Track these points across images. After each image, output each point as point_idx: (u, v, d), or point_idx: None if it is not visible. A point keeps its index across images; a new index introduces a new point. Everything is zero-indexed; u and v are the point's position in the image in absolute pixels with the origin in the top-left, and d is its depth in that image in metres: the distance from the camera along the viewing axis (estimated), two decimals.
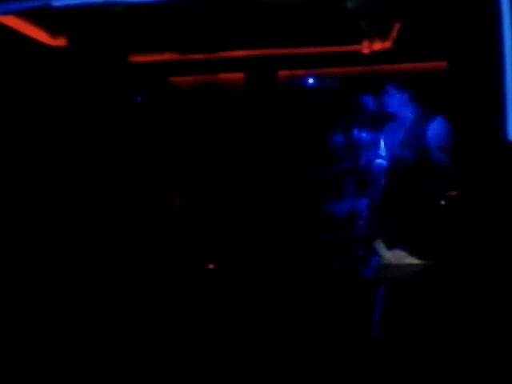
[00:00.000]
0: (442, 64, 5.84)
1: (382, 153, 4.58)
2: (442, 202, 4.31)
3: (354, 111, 4.81)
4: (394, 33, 5.56)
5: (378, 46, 5.83)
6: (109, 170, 5.89)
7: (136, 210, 5.36)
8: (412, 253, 4.11)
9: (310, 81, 5.63)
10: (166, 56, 5.99)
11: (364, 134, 4.70)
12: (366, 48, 5.87)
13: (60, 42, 5.50)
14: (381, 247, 4.18)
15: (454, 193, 4.40)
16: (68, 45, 5.54)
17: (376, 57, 5.85)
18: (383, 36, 5.72)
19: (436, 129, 4.26)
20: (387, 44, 5.77)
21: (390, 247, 4.16)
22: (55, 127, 6.19)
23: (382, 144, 4.59)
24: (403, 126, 4.38)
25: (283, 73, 6.10)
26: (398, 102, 4.42)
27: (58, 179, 5.94)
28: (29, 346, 4.23)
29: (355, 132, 4.55)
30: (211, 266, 5.31)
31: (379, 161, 4.58)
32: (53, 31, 5.41)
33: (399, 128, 4.41)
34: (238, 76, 6.25)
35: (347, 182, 5.11)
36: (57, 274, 5.26)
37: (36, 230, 5.48)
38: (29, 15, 4.94)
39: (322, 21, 5.46)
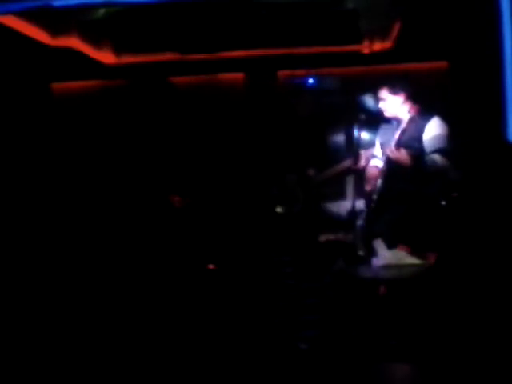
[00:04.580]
0: (442, 64, 5.84)
1: (378, 153, 4.57)
2: (443, 203, 4.30)
3: (353, 111, 4.80)
4: (394, 33, 5.56)
5: (377, 46, 5.82)
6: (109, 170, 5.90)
7: (136, 209, 5.36)
8: (412, 253, 4.10)
9: (310, 81, 5.63)
10: (166, 56, 5.99)
11: (364, 134, 4.69)
12: (366, 48, 5.87)
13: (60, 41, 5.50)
14: (381, 247, 4.18)
15: (454, 193, 4.40)
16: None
17: (376, 57, 5.85)
18: (383, 36, 5.72)
19: (434, 130, 4.25)
20: (387, 44, 5.77)
21: (389, 247, 4.15)
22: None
23: (378, 144, 4.59)
24: (399, 126, 4.37)
25: (283, 73, 6.10)
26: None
27: (61, 179, 5.96)
28: (30, 346, 4.24)
29: (355, 132, 4.54)
30: (211, 266, 5.31)
31: (375, 161, 4.58)
32: (53, 31, 5.42)
33: (396, 128, 4.40)
34: (238, 76, 6.25)
35: (347, 181, 5.11)
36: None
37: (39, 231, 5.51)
38: (29, 15, 4.94)
39: (322, 21, 5.47)
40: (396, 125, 4.39)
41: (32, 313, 4.71)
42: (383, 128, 4.55)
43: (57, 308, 4.84)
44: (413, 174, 4.19)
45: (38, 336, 4.40)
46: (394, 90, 4.32)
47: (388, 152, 4.23)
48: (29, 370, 3.86)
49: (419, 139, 4.22)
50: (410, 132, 4.27)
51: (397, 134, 4.31)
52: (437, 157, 4.16)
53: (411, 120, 4.27)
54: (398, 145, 4.23)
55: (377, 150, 4.56)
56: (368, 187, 4.44)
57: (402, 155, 4.16)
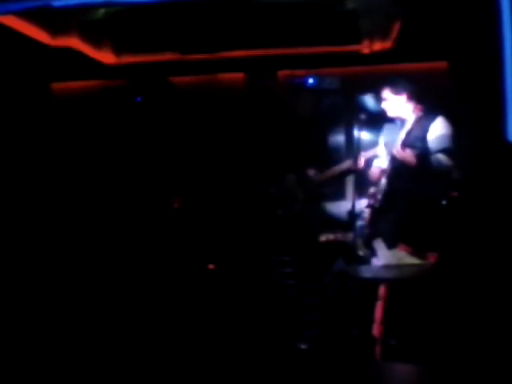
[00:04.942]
0: (442, 64, 5.84)
1: (382, 153, 4.57)
2: (443, 202, 4.30)
3: (353, 111, 4.81)
4: (394, 33, 5.56)
5: (377, 46, 5.82)
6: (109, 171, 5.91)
7: (136, 210, 5.36)
8: (412, 253, 4.10)
9: (310, 81, 5.63)
10: (166, 56, 5.99)
11: (364, 134, 4.70)
12: (366, 48, 5.87)
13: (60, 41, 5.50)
14: (381, 247, 4.18)
15: (454, 193, 4.40)
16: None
17: (376, 57, 5.85)
18: (383, 36, 5.72)
19: (438, 130, 4.25)
20: (387, 44, 5.77)
21: (389, 247, 4.15)
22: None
23: (382, 144, 4.58)
24: (403, 126, 4.37)
25: (283, 73, 6.10)
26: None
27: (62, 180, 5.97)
28: (30, 346, 4.24)
29: (355, 132, 4.55)
30: (211, 266, 5.31)
31: (378, 161, 4.57)
32: (53, 31, 5.42)
33: (401, 128, 4.40)
34: (238, 76, 6.25)
35: (347, 182, 5.11)
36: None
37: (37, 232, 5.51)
38: (29, 15, 4.94)
39: (322, 21, 5.46)
40: (400, 124, 4.39)
41: (32, 313, 4.71)
42: (387, 128, 4.55)
43: (57, 308, 4.84)
44: (417, 174, 4.19)
45: (37, 336, 4.40)
46: (396, 90, 4.31)
47: (394, 152, 4.23)
48: (29, 369, 3.86)
49: (423, 139, 4.22)
50: (414, 132, 4.27)
51: (402, 134, 4.31)
52: (441, 157, 4.16)
53: (417, 120, 4.28)
54: (404, 145, 4.23)
55: (380, 150, 4.55)
56: (371, 188, 4.45)
57: (408, 155, 4.16)
